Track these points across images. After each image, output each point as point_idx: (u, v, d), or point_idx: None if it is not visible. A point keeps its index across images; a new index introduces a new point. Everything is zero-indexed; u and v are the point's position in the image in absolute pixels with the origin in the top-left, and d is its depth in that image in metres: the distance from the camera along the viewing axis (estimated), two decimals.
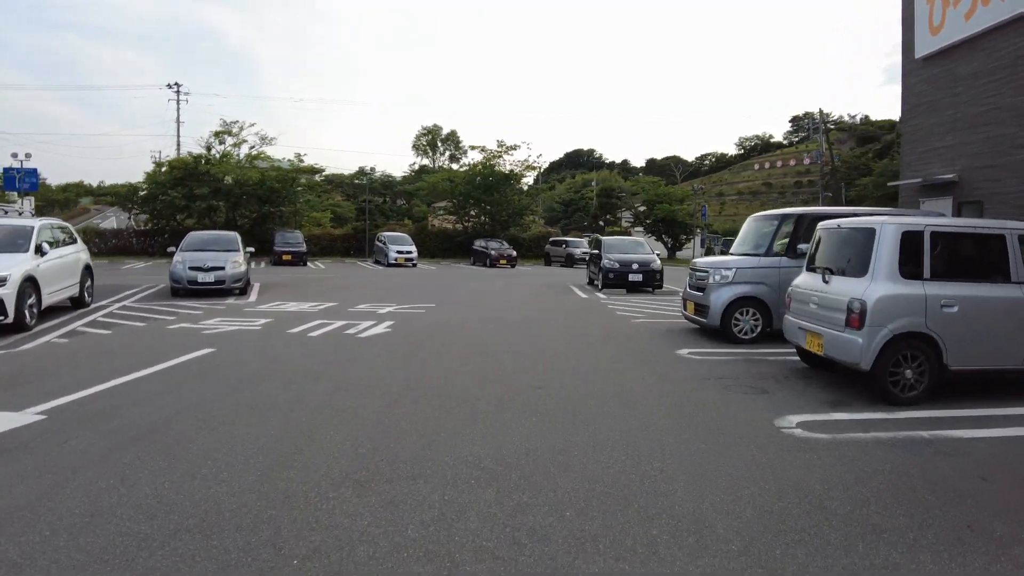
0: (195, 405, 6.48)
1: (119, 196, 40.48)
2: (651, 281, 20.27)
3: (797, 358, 9.12)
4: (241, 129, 40.59)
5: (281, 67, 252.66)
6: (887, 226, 7.17)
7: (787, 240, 10.87)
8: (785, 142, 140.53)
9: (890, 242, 7.07)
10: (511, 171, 44.11)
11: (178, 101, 54.63)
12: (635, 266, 20.17)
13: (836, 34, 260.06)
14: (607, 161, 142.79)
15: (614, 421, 6.13)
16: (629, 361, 9.05)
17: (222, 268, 17.60)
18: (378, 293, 18.97)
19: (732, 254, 11.89)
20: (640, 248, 22.14)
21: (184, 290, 17.42)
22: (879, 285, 6.99)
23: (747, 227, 12.29)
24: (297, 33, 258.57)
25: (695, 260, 12.29)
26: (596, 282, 21.63)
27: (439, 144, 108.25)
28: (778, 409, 6.70)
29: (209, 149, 40.02)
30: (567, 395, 7.06)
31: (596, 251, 22.14)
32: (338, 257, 41.91)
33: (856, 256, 7.49)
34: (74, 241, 15.01)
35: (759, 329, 10.74)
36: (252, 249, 20.49)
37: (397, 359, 9.02)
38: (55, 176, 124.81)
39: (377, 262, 36.78)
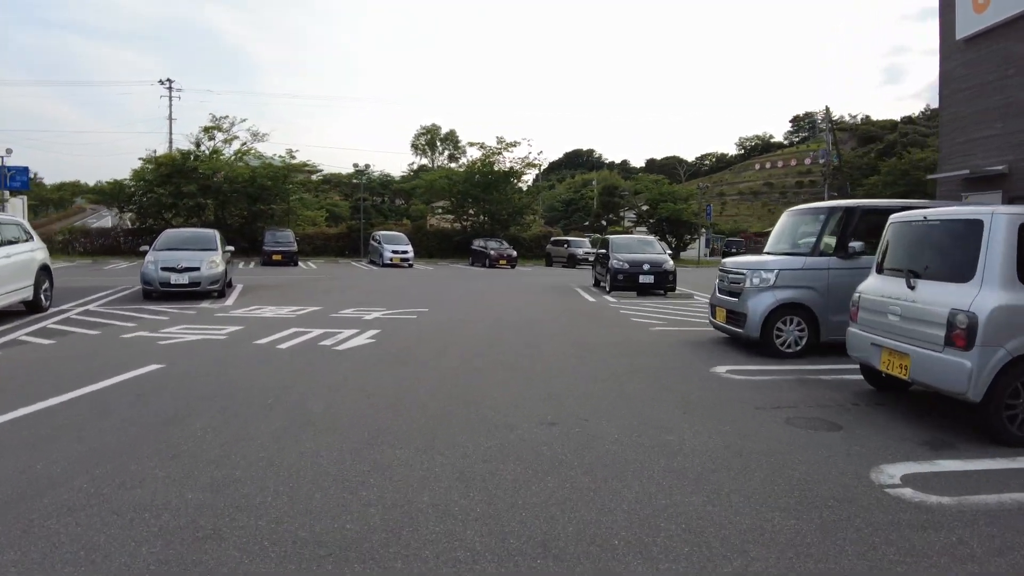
0: (97, 453, 4.85)
1: (105, 194, 38.77)
2: (663, 283, 18.65)
3: (860, 378, 7.52)
4: (232, 125, 38.97)
5: (280, 67, 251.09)
6: (1000, 217, 5.54)
7: (835, 237, 9.25)
8: (786, 142, 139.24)
9: (1005, 238, 5.45)
10: (511, 168, 42.50)
11: (170, 98, 52.91)
12: (646, 267, 18.55)
13: (835, 35, 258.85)
14: (607, 161, 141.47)
15: (659, 486, 4.46)
16: (659, 383, 7.42)
17: (197, 269, 16.04)
18: (368, 296, 17.37)
19: (768, 253, 10.27)
20: (650, 247, 20.52)
21: (157, 293, 15.90)
22: (992, 293, 5.37)
23: (784, 222, 10.67)
24: (296, 32, 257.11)
25: (726, 260, 10.66)
26: (603, 284, 20.01)
27: (438, 144, 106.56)
28: (867, 455, 5.08)
29: (198, 145, 38.39)
30: (589, 440, 5.38)
31: (603, 251, 20.51)
32: (332, 257, 40.28)
33: (956, 255, 5.86)
34: (30, 239, 13.42)
35: (804, 341, 9.12)
36: (231, 248, 18.89)
37: (373, 382, 7.38)
38: (51, 175, 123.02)
39: (372, 262, 35.17)
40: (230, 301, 15.73)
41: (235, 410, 6.06)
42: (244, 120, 39.20)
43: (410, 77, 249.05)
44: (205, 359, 8.51)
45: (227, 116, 38.15)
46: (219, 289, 16.46)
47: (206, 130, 38.39)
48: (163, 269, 15.93)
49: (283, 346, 9.56)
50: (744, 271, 9.52)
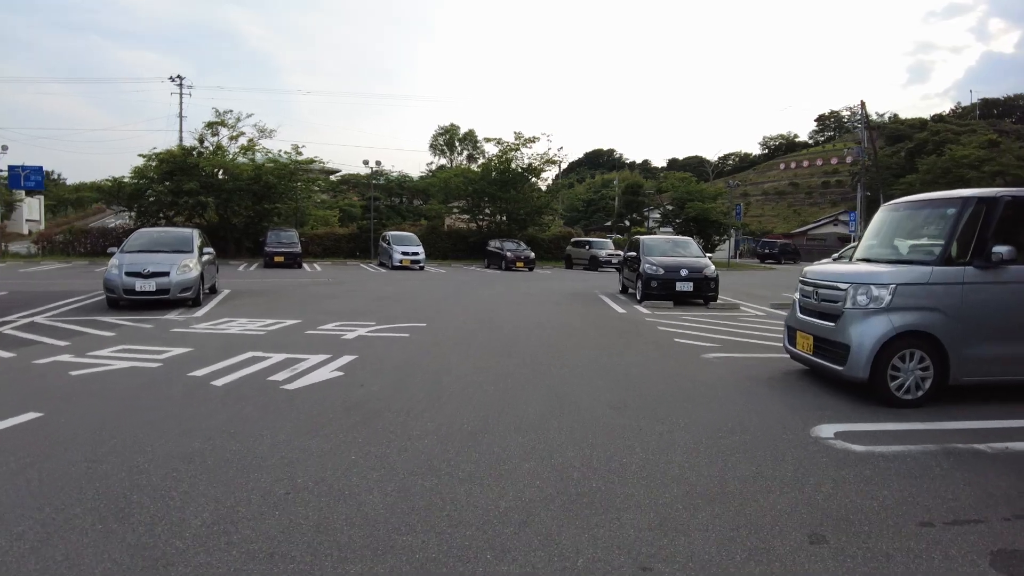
0: None
1: (104, 192, 36.67)
2: (704, 291, 15.99)
3: None
4: (238, 120, 36.69)
5: (300, 67, 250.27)
6: None
7: (970, 239, 6.60)
8: (811, 142, 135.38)
9: None
10: (530, 165, 39.86)
11: (180, 95, 51.13)
12: (684, 272, 15.90)
13: (860, 33, 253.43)
14: (627, 161, 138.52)
15: None
16: (743, 461, 4.80)
17: (166, 274, 13.80)
18: (363, 305, 14.91)
19: (869, 259, 7.62)
20: (687, 249, 17.83)
21: (121, 301, 13.67)
22: None
23: (885, 219, 8.00)
24: (316, 34, 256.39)
25: (810, 270, 7.99)
26: (633, 291, 17.40)
27: (457, 144, 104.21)
28: None
29: (202, 141, 36.17)
30: None
31: (632, 253, 17.89)
32: (342, 258, 37.96)
33: None
34: None
35: (929, 383, 6.50)
36: (211, 251, 16.55)
37: (314, 451, 4.86)
38: (73, 175, 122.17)
39: (382, 264, 32.80)
40: (203, 311, 13.44)
41: (80, 510, 3.54)
42: (251, 115, 36.57)
43: (429, 77, 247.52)
44: (105, 405, 6.11)
45: (231, 110, 35.97)
46: (192, 297, 14.16)
47: (210, 125, 36.18)
48: (128, 274, 13.74)
49: (220, 382, 7.10)
50: (843, 285, 6.88)
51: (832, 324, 6.89)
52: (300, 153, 35.87)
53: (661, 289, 15.85)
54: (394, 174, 60.73)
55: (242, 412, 5.92)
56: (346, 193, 57.59)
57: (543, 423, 5.66)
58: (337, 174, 77.23)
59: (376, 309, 14.12)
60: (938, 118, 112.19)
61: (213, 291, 17.11)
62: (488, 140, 41.27)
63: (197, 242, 15.70)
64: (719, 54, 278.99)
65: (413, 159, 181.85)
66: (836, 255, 19.05)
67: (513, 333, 10.77)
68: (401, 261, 30.24)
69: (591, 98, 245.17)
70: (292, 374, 7.48)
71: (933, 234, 7.00)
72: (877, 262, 7.37)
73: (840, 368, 6.67)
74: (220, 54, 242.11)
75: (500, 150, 39.71)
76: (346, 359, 8.38)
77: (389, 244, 31.68)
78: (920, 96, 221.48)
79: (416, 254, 30.74)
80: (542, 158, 39.62)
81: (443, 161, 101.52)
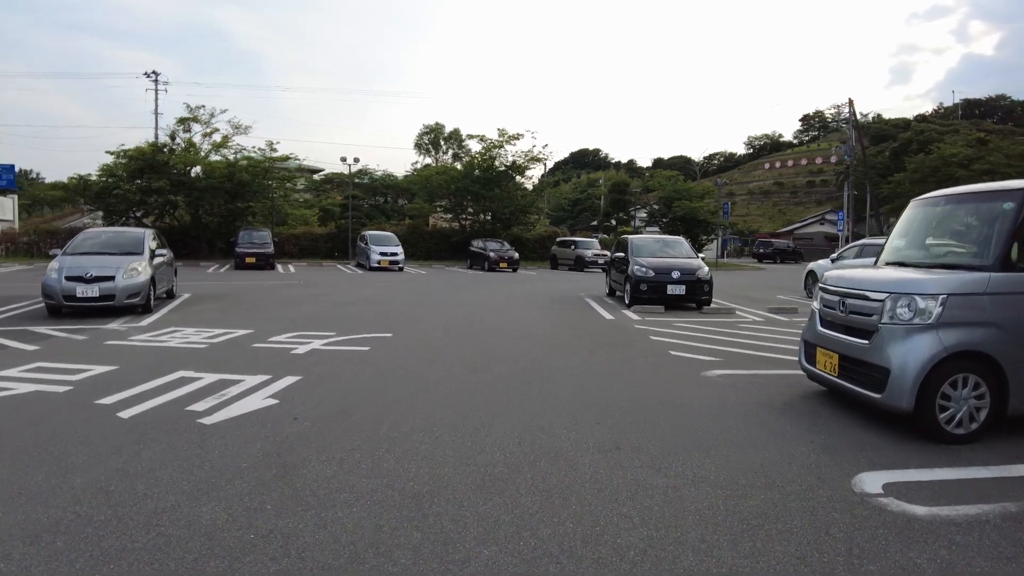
0: None
1: (69, 191, 35.00)
2: (697, 295, 14.80)
3: None
4: (211, 116, 35.13)
5: (288, 67, 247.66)
6: None
7: None
8: (795, 141, 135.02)
9: None
10: (514, 162, 38.53)
11: (156, 91, 49.22)
12: (675, 274, 14.71)
13: (843, 35, 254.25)
14: (613, 161, 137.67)
15: None
16: (777, 538, 3.56)
17: (111, 279, 12.48)
18: (328, 311, 13.62)
19: (901, 263, 6.43)
20: (679, 249, 16.63)
21: (63, 308, 12.42)
22: None
23: (919, 215, 6.80)
24: (302, 28, 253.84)
25: (833, 275, 6.73)
26: (620, 294, 16.20)
27: (442, 143, 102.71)
28: None
29: (173, 138, 34.61)
30: None
31: (620, 254, 16.68)
32: (319, 259, 36.49)
33: None
34: None
35: (985, 414, 5.31)
36: (166, 252, 15.21)
37: (202, 525, 3.56)
38: (55, 174, 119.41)
39: (360, 265, 31.43)
40: (151, 319, 12.16)
41: None
42: (225, 111, 35.06)
43: (415, 77, 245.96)
44: None
45: (203, 106, 34.39)
46: (141, 303, 12.82)
47: (181, 121, 34.60)
48: (68, 279, 12.42)
49: (128, 413, 5.81)
50: (878, 294, 5.66)
51: (865, 342, 5.68)
52: (275, 149, 34.32)
53: (651, 293, 14.64)
54: (378, 173, 59.31)
55: (136, 459, 4.63)
56: (329, 192, 56.12)
57: (513, 477, 4.39)
58: (320, 173, 75.64)
59: (341, 316, 12.83)
60: (921, 118, 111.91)
61: (171, 296, 15.78)
62: (471, 137, 39.88)
63: (149, 243, 14.34)
64: (704, 54, 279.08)
65: (399, 158, 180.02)
66: (835, 255, 17.97)
67: (488, 347, 9.48)
68: (379, 262, 28.89)
69: (577, 98, 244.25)
70: (217, 402, 6.19)
71: (983, 233, 5.81)
72: (912, 266, 6.18)
73: (877, 396, 5.46)
74: (208, 53, 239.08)
75: (483, 147, 38.41)
76: (287, 381, 7.09)
77: (367, 244, 30.31)
78: (902, 97, 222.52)
79: (395, 255, 29.40)
80: (526, 156, 38.36)
81: (428, 160, 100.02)
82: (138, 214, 32.80)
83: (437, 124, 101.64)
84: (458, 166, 39.92)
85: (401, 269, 29.40)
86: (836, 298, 6.25)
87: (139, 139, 33.38)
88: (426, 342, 9.87)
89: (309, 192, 60.15)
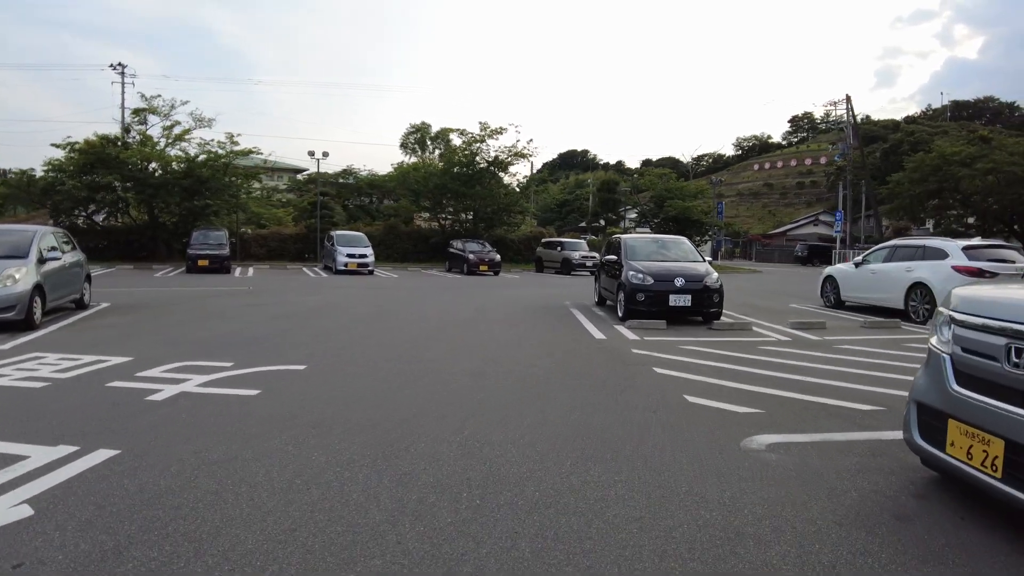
0: None
1: (12, 187, 31.90)
2: (706, 306, 12.07)
3: None
4: (171, 107, 32.16)
5: (272, 66, 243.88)
6: None
7: None
8: (784, 143, 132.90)
9: None
10: (496, 158, 35.67)
11: (123, 84, 46.08)
12: (679, 282, 11.98)
13: (828, 39, 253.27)
14: (602, 162, 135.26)
15: None
16: None
17: None
18: (250, 329, 10.81)
19: None
20: (682, 251, 13.86)
21: None
22: None
23: None
24: (287, 27, 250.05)
25: (969, 293, 3.99)
26: (612, 304, 13.48)
27: (428, 142, 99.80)
28: None
29: (128, 130, 31.60)
30: None
31: (612, 257, 13.94)
32: (287, 261, 33.52)
33: None
34: None
35: None
36: (74, 256, 12.53)
37: None
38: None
39: (327, 267, 28.54)
40: (26, 339, 9.51)
41: None
42: (186, 102, 31.93)
43: (401, 76, 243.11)
44: None
45: (159, 95, 31.41)
46: (19, 317, 10.03)
47: (137, 112, 31.63)
48: None
49: None
50: None
51: None
52: (235, 143, 31.26)
53: (650, 304, 11.90)
54: (363, 172, 56.37)
55: None
56: (313, 192, 53.23)
57: None
58: (304, 173, 72.61)
59: (262, 336, 10.01)
60: (910, 120, 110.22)
61: (80, 306, 13.00)
62: (451, 131, 36.94)
63: (42, 245, 11.50)
64: (691, 57, 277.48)
65: (387, 158, 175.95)
66: (858, 258, 15.29)
67: (425, 397, 6.53)
68: (346, 264, 26.03)
69: (565, 99, 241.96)
70: None
71: None
72: None
73: None
74: (191, 51, 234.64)
75: (463, 141, 35.53)
76: (89, 462, 4.30)
77: (333, 245, 27.43)
78: (887, 100, 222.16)
79: (364, 256, 26.54)
80: (510, 151, 35.47)
81: (414, 160, 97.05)
82: (87, 211, 29.78)
83: (423, 123, 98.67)
84: (438, 162, 36.90)
85: (371, 272, 26.56)
86: (999, 340, 3.52)
87: (102, 134, 30.13)
88: (343, 384, 7.01)
89: (293, 192, 57.31)
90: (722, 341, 10.21)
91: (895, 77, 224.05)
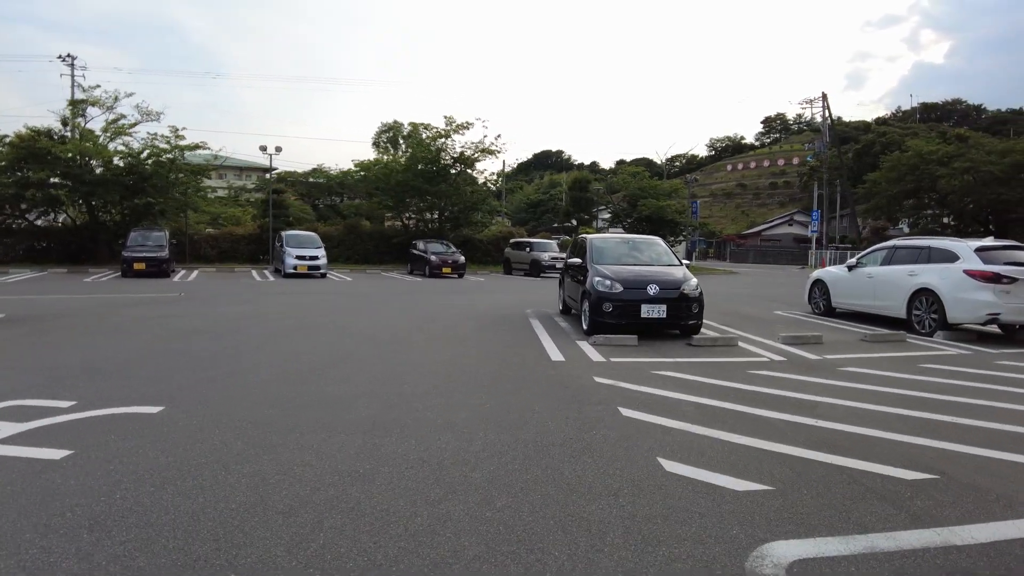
0: None
1: None
2: (684, 318, 10.25)
3: None
4: (115, 100, 29.74)
5: (244, 64, 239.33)
6: None
7: None
8: (757, 143, 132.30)
9: None
10: (462, 153, 33.62)
11: (72, 76, 43.35)
12: (652, 289, 10.15)
13: (800, 42, 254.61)
14: (576, 162, 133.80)
15: None
16: None
17: None
18: (136, 349, 8.76)
19: None
20: (656, 253, 12.01)
21: None
22: None
23: None
24: (258, 30, 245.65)
25: None
26: (577, 312, 11.62)
27: (401, 141, 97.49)
28: None
29: (65, 123, 29.13)
30: None
31: (577, 260, 12.10)
32: (237, 263, 31.16)
33: None
34: None
35: None
36: None
37: None
38: None
39: (277, 270, 26.34)
40: None
41: None
42: (131, 94, 29.40)
43: (377, 76, 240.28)
44: None
45: (97, 85, 29.00)
46: None
47: (74, 104, 29.17)
48: None
49: None
50: None
51: None
52: (180, 136, 28.85)
53: (619, 316, 10.05)
54: (334, 171, 54.15)
55: None
56: (283, 193, 50.90)
57: None
58: (273, 172, 70.17)
59: (142, 360, 7.99)
60: (881, 121, 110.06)
61: None
62: (414, 125, 34.83)
63: None
64: (665, 58, 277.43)
65: (361, 157, 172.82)
66: (852, 261, 13.58)
67: (285, 466, 4.54)
68: (295, 267, 23.91)
69: (540, 99, 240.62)
70: None
71: None
72: None
73: None
74: (162, 48, 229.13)
75: (428, 136, 33.43)
76: None
77: (282, 246, 25.27)
78: (856, 103, 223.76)
79: (315, 258, 24.41)
80: (476, 147, 33.44)
81: (387, 159, 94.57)
82: (17, 211, 27.31)
83: (396, 122, 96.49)
84: (400, 158, 34.73)
85: (323, 275, 24.46)
86: None
87: (32, 127, 27.65)
88: (187, 443, 5.03)
89: (262, 191, 55.12)
90: (704, 363, 8.38)
91: (864, 80, 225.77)
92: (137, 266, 22.48)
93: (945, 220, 44.19)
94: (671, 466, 4.42)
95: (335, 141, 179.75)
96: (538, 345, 9.46)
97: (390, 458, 4.54)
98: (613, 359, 8.47)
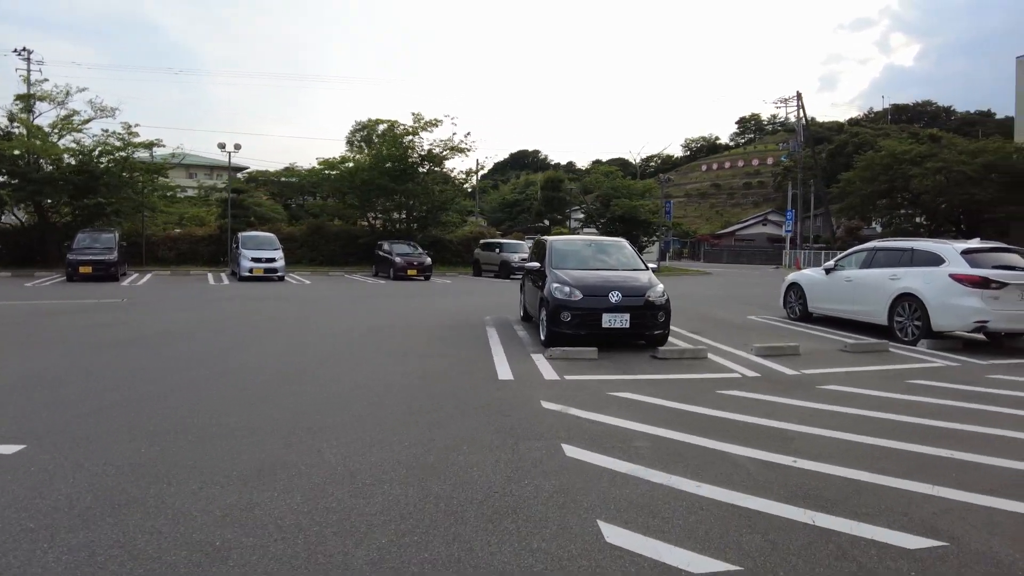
0: None
1: None
2: (650, 327, 9.35)
3: None
4: (66, 94, 28.26)
5: (220, 64, 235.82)
6: None
7: None
8: (731, 143, 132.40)
9: None
10: (430, 151, 32.52)
11: (28, 71, 41.50)
12: (615, 297, 9.23)
13: (775, 45, 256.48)
14: (553, 162, 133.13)
15: None
16: None
17: None
18: (42, 367, 7.66)
19: None
20: (620, 256, 11.03)
21: None
22: None
23: None
24: (236, 28, 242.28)
25: None
26: (536, 320, 10.66)
27: (375, 140, 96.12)
28: None
29: (12, 119, 27.60)
30: None
31: (537, 264, 11.16)
32: (196, 266, 29.75)
33: None
34: None
35: None
36: None
37: None
38: None
39: (233, 273, 25.09)
40: None
41: None
42: (84, 89, 28.05)
43: (348, 75, 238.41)
44: None
45: (45, 79, 27.54)
46: None
47: (21, 99, 27.67)
48: None
49: None
50: None
51: None
52: (135, 134, 27.44)
53: (578, 326, 9.12)
54: (303, 171, 52.68)
55: None
56: (253, 191, 49.39)
57: None
58: (243, 172, 68.49)
59: (38, 382, 6.91)
60: (854, 122, 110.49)
61: None
62: (381, 122, 33.68)
63: None
64: (642, 60, 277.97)
65: (326, 155, 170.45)
66: (830, 263, 12.79)
67: (177, 511, 3.73)
68: (251, 270, 22.73)
69: (518, 100, 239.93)
70: None
71: None
72: None
73: None
74: (135, 45, 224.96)
75: (398, 132, 32.25)
76: None
77: (238, 247, 24.05)
78: (830, 104, 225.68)
79: (271, 261, 23.23)
80: (445, 144, 32.38)
81: (360, 158, 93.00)
82: None
83: (371, 120, 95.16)
84: (366, 156, 33.48)
85: (281, 279, 23.29)
86: None
87: None
88: (47, 484, 4.00)
89: (242, 193, 53.78)
90: (669, 381, 7.47)
91: (837, 82, 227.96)
92: (83, 269, 21.17)
93: (918, 220, 43.94)
94: (614, 535, 3.47)
95: (315, 140, 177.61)
96: (488, 360, 8.48)
97: (259, 524, 3.55)
98: (568, 376, 7.54)
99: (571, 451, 4.84)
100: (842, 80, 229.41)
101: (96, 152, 27.17)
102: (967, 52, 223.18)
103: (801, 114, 49.91)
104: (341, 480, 4.25)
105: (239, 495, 3.98)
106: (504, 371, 7.78)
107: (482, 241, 32.65)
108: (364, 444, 4.98)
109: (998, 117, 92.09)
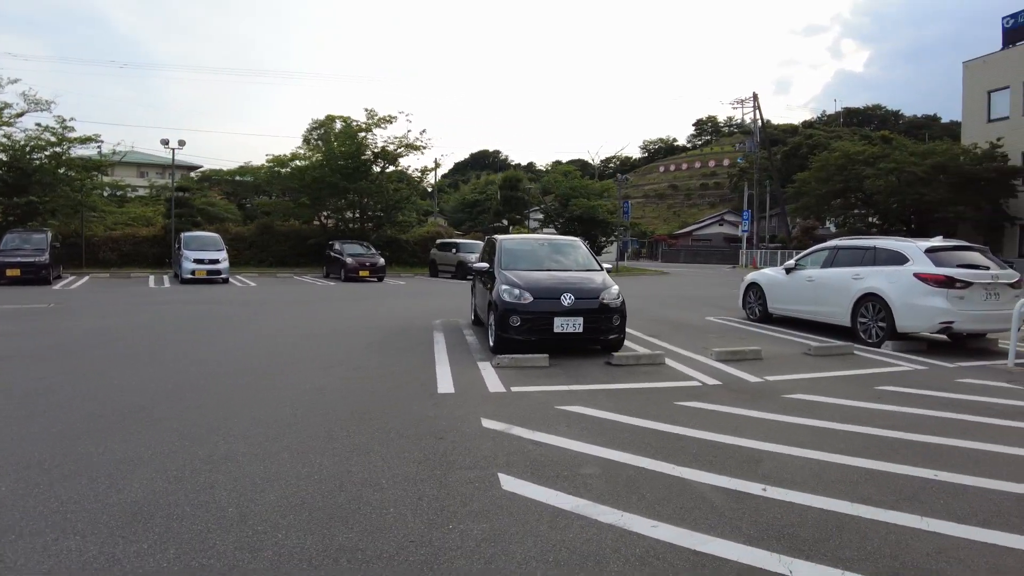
0: None
1: None
2: (604, 332, 8.72)
3: None
4: None
5: (175, 60, 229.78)
6: None
7: None
8: (689, 145, 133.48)
9: None
10: (383, 148, 31.55)
11: None
12: (567, 299, 8.58)
13: (729, 48, 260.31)
14: (513, 163, 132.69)
15: None
16: None
17: None
18: None
19: None
20: (574, 256, 10.36)
21: None
22: None
23: None
24: (193, 25, 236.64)
25: None
26: (487, 323, 9.95)
27: (333, 139, 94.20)
28: None
29: None
30: None
31: (487, 265, 10.46)
32: (139, 268, 28.31)
33: None
34: None
35: None
36: None
37: None
38: None
39: (176, 275, 23.84)
40: None
41: None
42: (16, 80, 26.22)
43: (306, 72, 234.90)
44: None
45: None
46: None
47: None
48: None
49: None
50: None
51: None
52: (70, 128, 25.91)
53: (529, 331, 8.44)
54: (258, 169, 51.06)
55: None
56: (208, 191, 47.56)
57: None
58: (197, 171, 66.23)
59: None
60: (808, 124, 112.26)
61: None
62: (337, 119, 32.58)
63: None
64: (600, 61, 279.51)
65: (274, 152, 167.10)
66: (791, 262, 12.35)
67: None
68: (194, 272, 21.55)
69: (477, 99, 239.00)
70: None
71: None
72: None
73: None
74: (89, 41, 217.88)
75: (350, 129, 31.19)
76: None
77: (180, 248, 22.83)
78: (784, 107, 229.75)
79: (215, 262, 22.07)
80: (399, 142, 31.45)
81: (318, 156, 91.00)
82: None
83: (328, 117, 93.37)
84: (316, 154, 32.32)
85: (225, 281, 22.15)
86: None
87: None
88: None
89: (185, 190, 51.89)
90: (623, 391, 6.83)
91: (790, 85, 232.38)
92: (11, 272, 19.76)
93: (871, 220, 44.39)
94: None
95: (273, 138, 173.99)
96: (429, 370, 7.73)
97: None
98: (515, 388, 6.84)
99: (509, 483, 4.14)
100: (796, 84, 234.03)
101: (28, 148, 25.59)
102: (913, 58, 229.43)
103: (757, 115, 50.15)
104: (229, 526, 3.49)
105: (100, 548, 3.20)
106: (445, 383, 7.04)
107: (438, 241, 31.82)
108: (265, 478, 4.21)
109: (943, 121, 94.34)
